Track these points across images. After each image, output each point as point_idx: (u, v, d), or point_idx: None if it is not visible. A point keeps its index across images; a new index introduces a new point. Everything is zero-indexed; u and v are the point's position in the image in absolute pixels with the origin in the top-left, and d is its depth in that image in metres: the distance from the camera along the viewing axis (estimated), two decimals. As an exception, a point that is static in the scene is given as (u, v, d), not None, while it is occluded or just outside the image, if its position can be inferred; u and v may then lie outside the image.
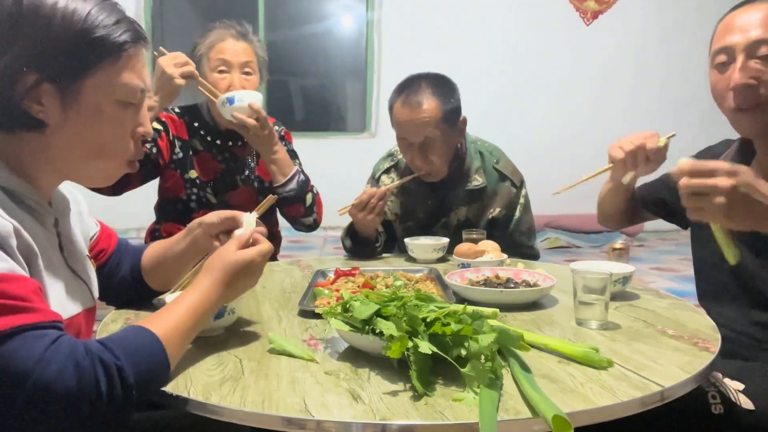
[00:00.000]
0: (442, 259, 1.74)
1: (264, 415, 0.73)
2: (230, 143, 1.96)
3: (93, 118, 0.85)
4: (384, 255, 1.98)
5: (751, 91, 1.15)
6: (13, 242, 0.75)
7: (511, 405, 0.74)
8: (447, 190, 1.91)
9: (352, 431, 0.70)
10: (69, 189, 1.04)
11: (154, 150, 1.84)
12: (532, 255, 1.93)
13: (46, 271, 0.84)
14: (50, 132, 0.84)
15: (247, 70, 1.85)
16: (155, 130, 1.85)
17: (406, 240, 1.79)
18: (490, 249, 1.62)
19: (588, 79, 5.40)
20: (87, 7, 0.82)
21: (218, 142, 1.95)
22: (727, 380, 1.09)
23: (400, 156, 1.98)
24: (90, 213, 1.11)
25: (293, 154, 2.05)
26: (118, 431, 0.73)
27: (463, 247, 1.60)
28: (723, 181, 0.93)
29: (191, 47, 1.90)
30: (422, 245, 1.74)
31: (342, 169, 5.12)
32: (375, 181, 2.05)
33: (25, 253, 0.79)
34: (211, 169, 1.94)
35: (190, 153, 1.92)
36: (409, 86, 1.79)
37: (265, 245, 1.00)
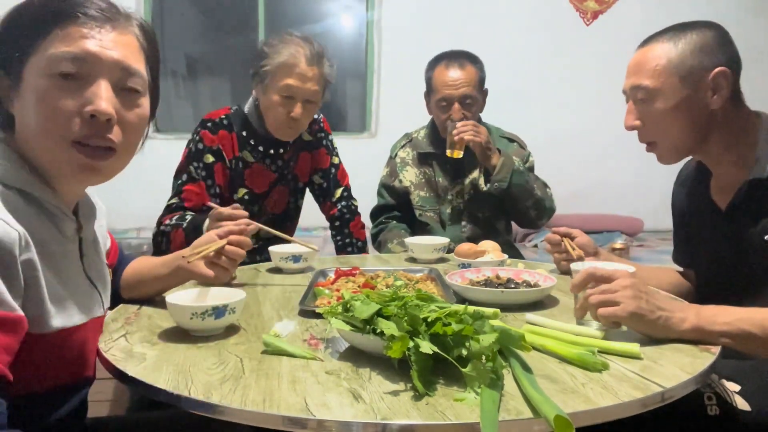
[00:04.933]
0: (443, 259, 1.74)
1: (265, 415, 0.72)
2: (281, 150, 1.89)
3: (30, 98, 0.81)
4: (383, 255, 1.99)
5: (640, 132, 1.27)
6: (17, 251, 0.73)
7: (513, 405, 0.74)
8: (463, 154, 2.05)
9: (352, 431, 0.70)
10: (96, 200, 1.04)
11: (217, 190, 1.78)
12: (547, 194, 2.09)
13: (52, 281, 0.82)
14: (17, 125, 0.84)
15: (311, 99, 1.74)
16: (207, 165, 1.75)
17: (406, 240, 1.81)
18: (491, 249, 1.62)
19: (588, 80, 5.39)
20: None
21: (272, 151, 1.86)
22: (723, 381, 1.09)
23: (415, 135, 2.22)
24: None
25: (330, 149, 2.04)
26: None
27: (463, 247, 1.60)
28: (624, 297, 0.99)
29: (257, 54, 1.75)
30: (423, 245, 1.74)
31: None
32: (392, 159, 2.24)
33: (27, 264, 0.76)
34: (264, 180, 1.87)
35: (241, 167, 1.82)
36: (447, 55, 2.08)
37: None
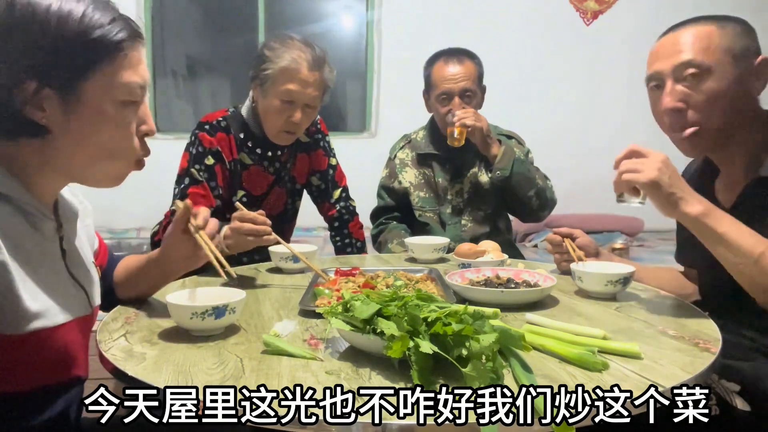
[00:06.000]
0: (443, 259, 1.74)
1: (265, 415, 0.72)
2: (279, 152, 1.88)
3: (96, 120, 0.84)
4: (384, 255, 1.99)
5: (680, 115, 1.18)
6: None
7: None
8: (461, 152, 2.07)
9: (352, 431, 0.70)
10: (81, 199, 1.03)
11: (220, 191, 1.76)
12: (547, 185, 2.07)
13: (29, 281, 0.82)
14: (53, 137, 0.83)
15: (311, 105, 1.74)
16: (209, 167, 1.74)
17: (407, 240, 1.82)
18: (491, 249, 1.62)
19: (588, 79, 5.40)
20: (81, 7, 0.80)
21: (269, 153, 1.85)
22: (723, 381, 1.09)
23: (414, 135, 2.22)
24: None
25: (327, 150, 2.04)
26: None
27: (463, 247, 1.60)
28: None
29: (258, 57, 1.73)
30: (423, 245, 1.74)
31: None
32: (391, 160, 2.23)
33: None
34: (262, 182, 1.86)
35: (239, 169, 1.81)
36: (446, 52, 2.09)
37: None
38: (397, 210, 2.22)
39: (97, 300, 1.02)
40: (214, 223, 1.18)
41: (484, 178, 2.10)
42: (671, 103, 1.18)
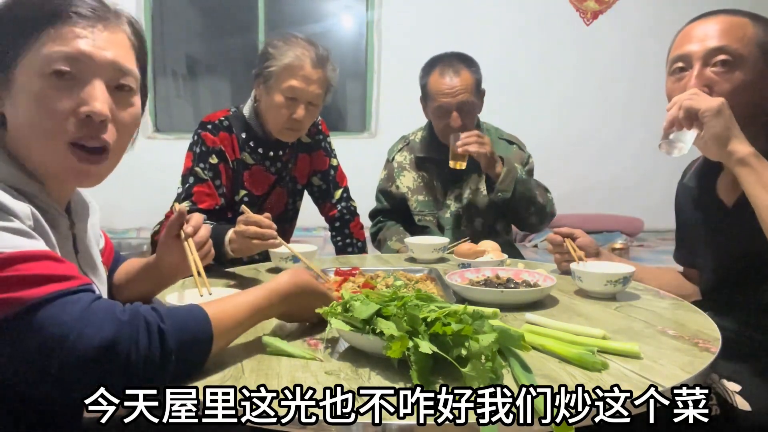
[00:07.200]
0: (442, 259, 1.74)
1: (265, 415, 0.72)
2: (281, 152, 1.89)
3: (21, 98, 0.81)
4: (383, 255, 1.99)
5: None
6: (30, 223, 0.76)
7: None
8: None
9: (352, 431, 0.70)
10: (90, 200, 1.03)
11: (224, 189, 1.77)
12: (547, 199, 2.05)
13: None
14: (8, 125, 0.83)
15: (314, 102, 1.75)
16: (213, 166, 1.74)
17: (407, 240, 1.82)
18: (491, 249, 1.62)
19: (588, 80, 5.40)
20: None
21: (271, 153, 1.86)
22: (723, 381, 1.09)
23: (412, 137, 2.20)
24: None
25: (328, 151, 2.04)
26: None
27: (463, 247, 1.60)
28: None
29: (261, 54, 1.75)
30: (422, 245, 1.74)
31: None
32: (389, 162, 2.22)
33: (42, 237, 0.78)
34: (264, 182, 1.87)
35: (241, 168, 1.82)
36: (440, 60, 2.03)
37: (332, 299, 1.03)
38: (394, 213, 2.21)
39: (106, 297, 1.02)
40: (205, 230, 1.16)
41: (483, 183, 2.09)
42: (698, 86, 1.18)
